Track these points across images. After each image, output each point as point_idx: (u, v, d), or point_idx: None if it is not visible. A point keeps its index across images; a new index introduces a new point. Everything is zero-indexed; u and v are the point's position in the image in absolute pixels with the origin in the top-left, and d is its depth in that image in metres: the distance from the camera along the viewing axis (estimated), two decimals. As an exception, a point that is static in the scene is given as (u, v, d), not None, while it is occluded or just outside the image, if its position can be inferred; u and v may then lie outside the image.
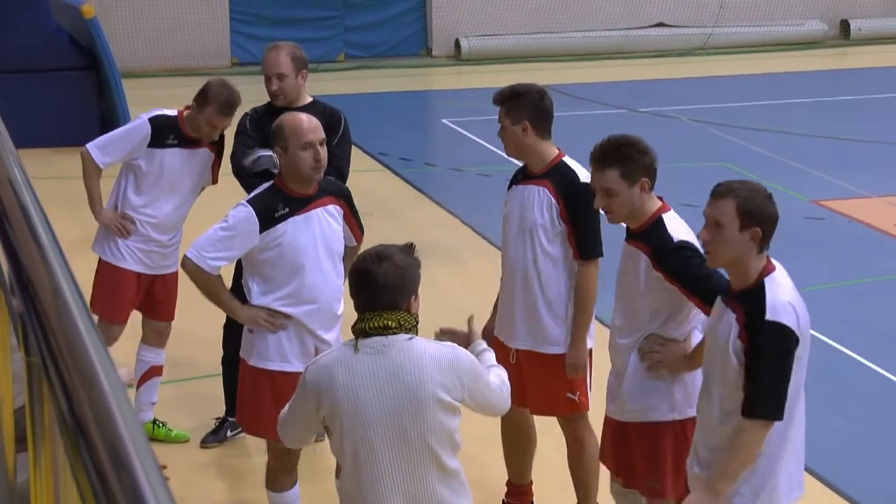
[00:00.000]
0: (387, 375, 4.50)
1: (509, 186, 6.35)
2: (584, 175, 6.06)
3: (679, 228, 5.47)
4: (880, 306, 9.88)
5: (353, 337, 4.60)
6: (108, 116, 15.15)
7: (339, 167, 6.99)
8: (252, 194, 6.17)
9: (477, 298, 10.09)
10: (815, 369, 8.49)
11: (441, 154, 15.82)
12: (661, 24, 22.20)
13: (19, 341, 2.01)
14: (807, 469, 7.31)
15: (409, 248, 4.71)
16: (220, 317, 7.61)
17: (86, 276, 7.82)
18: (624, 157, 5.46)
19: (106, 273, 7.29)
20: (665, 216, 5.48)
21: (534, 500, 6.65)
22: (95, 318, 6.96)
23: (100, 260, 7.34)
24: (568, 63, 20.92)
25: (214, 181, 7.49)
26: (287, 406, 4.80)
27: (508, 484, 6.60)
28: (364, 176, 11.57)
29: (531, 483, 6.62)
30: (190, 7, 20.57)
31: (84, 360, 1.61)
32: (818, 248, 11.15)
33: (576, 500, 6.43)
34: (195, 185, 7.33)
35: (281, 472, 6.25)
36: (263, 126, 7.00)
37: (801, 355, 4.96)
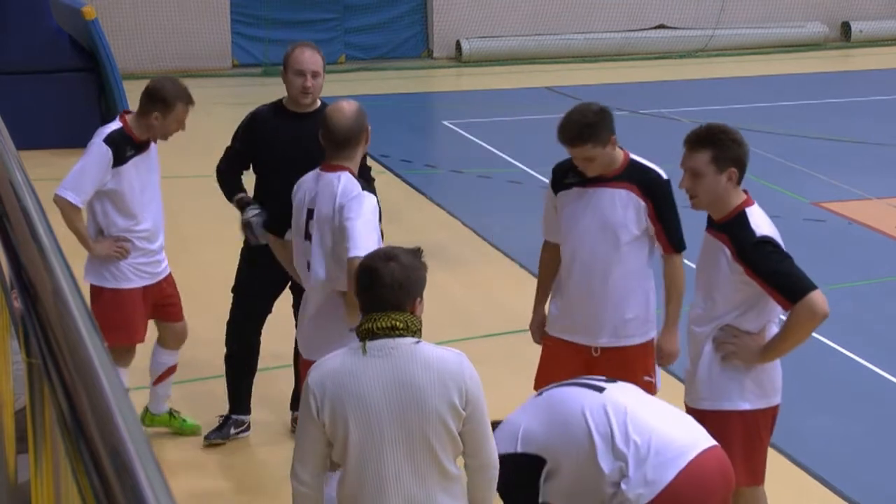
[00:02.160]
0: (395, 379, 4.50)
1: (560, 189, 6.30)
2: (663, 171, 6.23)
3: (762, 223, 5.54)
4: (880, 308, 9.88)
5: (360, 339, 4.59)
6: (109, 118, 15.14)
7: (367, 175, 7.05)
8: None
9: (477, 299, 10.13)
10: (815, 370, 8.54)
11: (442, 156, 15.81)
12: (661, 27, 22.20)
13: (20, 342, 2.01)
14: (805, 469, 7.35)
15: (417, 251, 4.71)
16: (219, 317, 7.62)
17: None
18: (717, 142, 5.54)
19: (111, 300, 7.16)
20: (748, 210, 5.54)
21: None
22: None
23: (99, 290, 7.18)
24: (569, 65, 20.94)
25: None
26: (297, 426, 4.78)
27: None
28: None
29: None
30: (191, 9, 20.59)
31: (85, 362, 1.62)
32: (818, 250, 11.14)
33: None
34: (158, 181, 7.31)
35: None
36: (270, 128, 7.02)
37: None
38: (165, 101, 7.05)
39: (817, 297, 5.32)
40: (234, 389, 7.61)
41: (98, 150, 7.08)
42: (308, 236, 6.12)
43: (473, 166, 14.02)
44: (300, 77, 7.12)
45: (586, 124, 6.05)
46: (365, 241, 5.79)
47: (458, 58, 21.52)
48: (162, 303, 7.39)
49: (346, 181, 5.99)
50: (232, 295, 7.56)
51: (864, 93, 18.72)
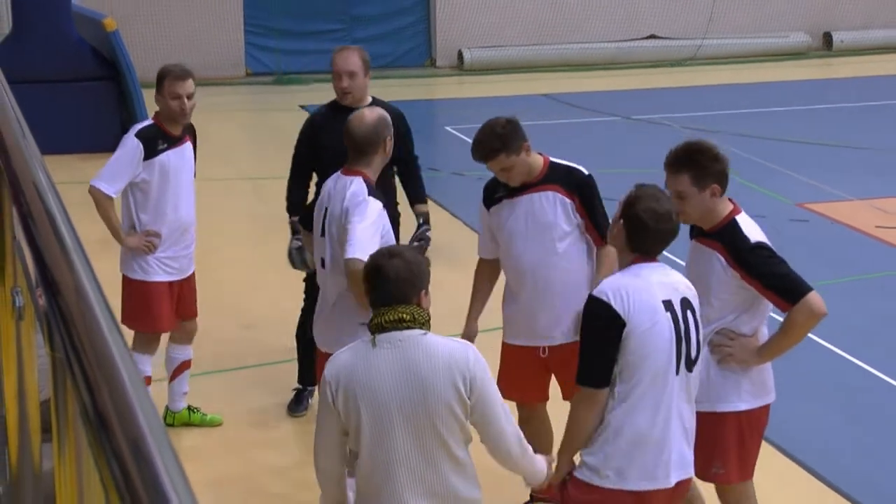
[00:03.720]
0: (403, 368, 4.50)
1: (491, 204, 6.30)
2: (583, 168, 6.22)
3: (753, 230, 5.47)
4: (862, 304, 9.88)
5: (370, 333, 4.60)
6: (129, 124, 15.15)
7: (412, 163, 7.48)
8: None
9: (479, 296, 10.11)
10: (799, 361, 8.52)
11: (444, 159, 15.79)
12: (653, 37, 22.20)
13: (44, 337, 2.01)
14: (787, 454, 7.35)
15: (420, 248, 4.74)
16: (229, 316, 7.63)
17: (107, 276, 7.80)
18: (695, 163, 5.43)
19: (138, 291, 7.23)
20: (738, 218, 5.47)
21: None
22: (127, 330, 6.97)
23: (129, 280, 7.27)
24: (565, 73, 20.93)
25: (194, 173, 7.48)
26: (317, 418, 4.80)
27: None
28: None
29: None
30: (206, 20, 20.59)
31: (106, 356, 1.61)
32: (802, 249, 11.13)
33: None
34: (191, 179, 7.32)
35: None
36: (329, 127, 7.09)
37: None
38: (159, 80, 7.15)
39: (815, 298, 5.26)
40: (305, 365, 7.66)
41: (130, 143, 7.13)
42: (323, 233, 6.14)
43: (474, 169, 13.93)
44: (337, 78, 7.27)
45: (496, 136, 6.07)
46: (363, 243, 5.75)
47: (460, 66, 21.52)
48: (184, 300, 7.40)
49: (356, 186, 5.98)
50: (304, 283, 7.70)
51: (845, 99, 18.71)
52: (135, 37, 18.58)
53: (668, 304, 4.82)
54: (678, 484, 4.94)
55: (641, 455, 4.86)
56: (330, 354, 6.06)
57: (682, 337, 4.84)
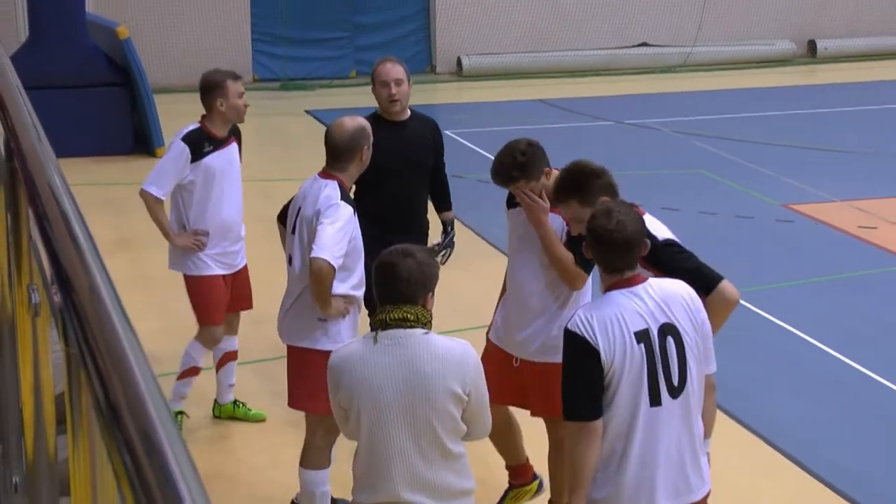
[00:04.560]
0: (403, 366, 4.49)
1: (511, 206, 6.13)
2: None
3: (659, 228, 5.37)
4: (846, 302, 9.88)
5: (373, 329, 4.61)
6: (141, 128, 15.17)
7: (441, 170, 7.38)
8: None
9: (478, 295, 10.09)
10: (784, 358, 8.53)
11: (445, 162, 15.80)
12: (644, 44, 22.19)
13: (59, 333, 2.01)
14: (776, 447, 7.35)
15: (431, 250, 4.72)
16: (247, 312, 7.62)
17: (120, 275, 7.81)
18: (578, 185, 5.33)
19: (196, 286, 7.28)
20: (644, 219, 5.28)
21: (535, 471, 6.54)
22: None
23: (186, 278, 7.28)
24: (560, 79, 20.93)
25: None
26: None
27: (508, 468, 6.50)
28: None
29: (528, 460, 6.52)
30: (215, 29, 20.58)
31: (118, 351, 1.61)
32: (788, 248, 11.13)
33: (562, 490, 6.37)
34: (238, 177, 7.32)
35: (316, 450, 6.12)
36: (380, 137, 6.72)
37: None
38: (218, 85, 7.11)
39: (726, 286, 5.08)
40: None
41: (176, 147, 7.13)
42: (294, 231, 6.15)
43: (473, 172, 13.99)
44: (385, 88, 7.01)
45: (516, 166, 5.83)
46: (331, 245, 5.80)
47: (459, 73, 21.51)
48: (236, 294, 7.38)
49: (330, 190, 5.99)
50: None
51: (829, 105, 18.70)
52: (146, 44, 18.57)
53: (641, 335, 4.53)
54: None
55: (624, 486, 4.60)
56: (294, 347, 6.16)
57: (656, 369, 4.53)
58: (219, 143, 7.19)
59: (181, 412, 7.49)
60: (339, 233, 5.84)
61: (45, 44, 14.65)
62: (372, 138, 6.16)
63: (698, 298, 4.72)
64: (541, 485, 6.55)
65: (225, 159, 7.21)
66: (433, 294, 4.64)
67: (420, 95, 21.15)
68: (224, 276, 7.29)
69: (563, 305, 5.97)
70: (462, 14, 21.61)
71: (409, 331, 4.52)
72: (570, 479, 4.65)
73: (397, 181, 6.98)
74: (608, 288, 4.63)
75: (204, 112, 7.23)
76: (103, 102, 14.95)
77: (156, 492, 1.30)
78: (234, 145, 7.32)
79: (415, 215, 7.20)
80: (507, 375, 6.04)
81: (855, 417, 7.84)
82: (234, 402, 7.61)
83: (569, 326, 4.60)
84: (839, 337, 9.00)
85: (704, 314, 4.70)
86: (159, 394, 1.49)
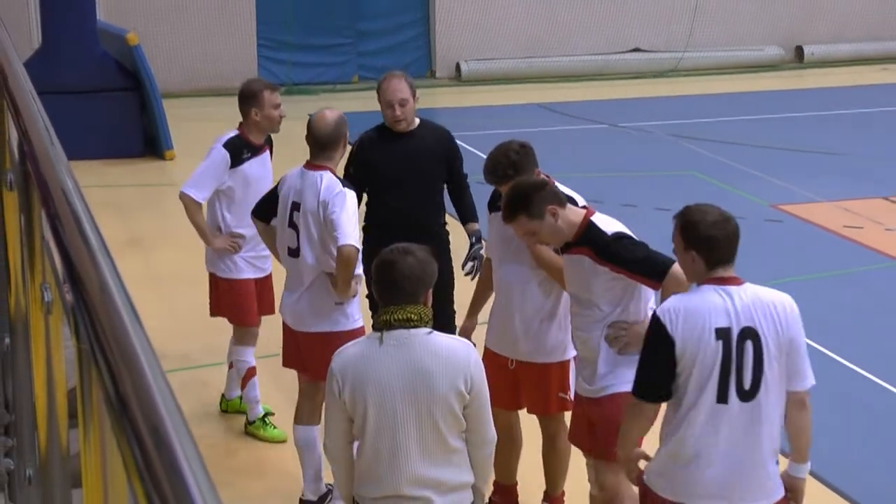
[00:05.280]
0: (409, 366, 4.50)
1: (493, 210, 6.09)
2: (580, 199, 5.93)
3: (609, 224, 5.35)
4: (829, 297, 9.88)
5: (377, 330, 4.60)
6: (150, 131, 15.16)
7: (462, 181, 7.14)
8: None
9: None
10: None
11: (444, 164, 15.81)
12: (637, 50, 22.18)
13: (71, 330, 2.01)
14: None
15: (429, 249, 4.73)
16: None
17: (129, 274, 7.77)
18: (521, 201, 5.31)
19: (227, 288, 7.24)
20: (593, 219, 5.35)
21: (518, 501, 6.42)
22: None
23: (216, 279, 7.26)
24: (556, 84, 20.92)
25: None
26: (325, 407, 4.82)
27: (495, 483, 6.31)
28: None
29: (516, 484, 6.41)
30: (221, 35, 20.57)
31: (127, 347, 1.61)
32: (777, 247, 11.14)
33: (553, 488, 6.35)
34: (270, 183, 7.24)
35: (307, 408, 6.37)
36: (376, 149, 6.80)
37: None
38: (254, 95, 7.10)
39: (677, 269, 5.00)
40: None
41: (217, 153, 7.10)
42: (292, 225, 6.20)
43: (472, 174, 13.97)
44: (390, 109, 6.80)
45: (510, 165, 5.82)
46: (352, 231, 5.97)
47: (458, 77, 21.50)
48: (262, 299, 7.33)
49: (328, 180, 6.11)
50: None
51: (816, 108, 18.70)
52: (155, 51, 18.55)
53: (722, 332, 4.50)
54: None
55: (677, 472, 4.62)
56: (302, 333, 6.22)
57: (730, 368, 4.49)
58: (256, 151, 7.15)
59: (267, 413, 7.41)
60: (353, 217, 6.01)
61: (57, 51, 14.65)
62: (347, 127, 6.28)
63: (796, 314, 4.62)
64: None
65: (261, 166, 7.18)
66: (431, 291, 4.64)
67: (420, 100, 21.01)
68: (255, 279, 7.25)
69: (555, 307, 5.95)
70: (461, 21, 21.60)
71: (412, 331, 4.52)
72: (619, 446, 4.80)
73: (400, 191, 6.85)
74: (705, 281, 4.58)
75: (243, 123, 7.18)
76: (113, 107, 14.94)
77: (164, 482, 1.31)
78: (268, 153, 7.30)
79: (422, 226, 6.83)
80: (502, 378, 6.02)
81: (840, 410, 7.84)
82: (240, 396, 7.52)
83: (657, 312, 4.62)
84: (827, 332, 9.00)
85: (798, 331, 4.61)
86: (167, 389, 1.49)
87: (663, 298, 4.96)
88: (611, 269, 5.22)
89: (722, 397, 4.52)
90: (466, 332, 6.26)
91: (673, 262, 5.08)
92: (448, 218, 7.28)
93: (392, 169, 6.80)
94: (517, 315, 5.97)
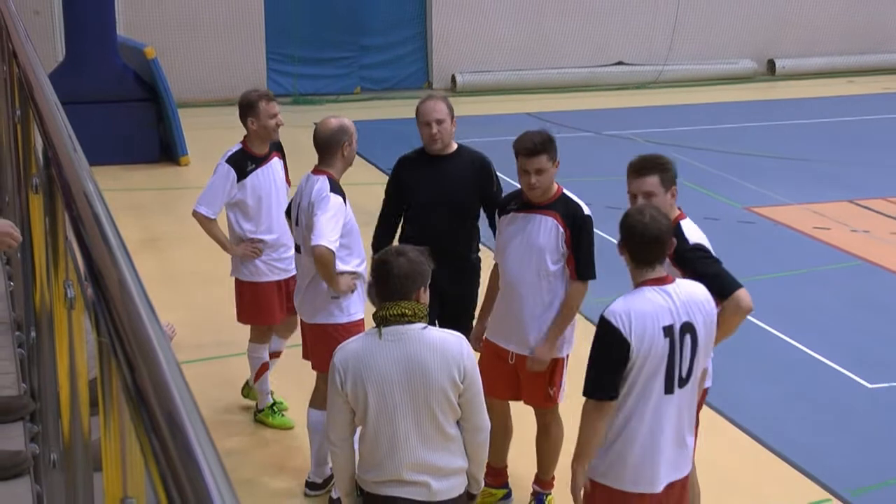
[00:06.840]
0: (406, 359, 4.52)
1: (503, 213, 6.06)
2: (586, 207, 5.94)
3: (694, 233, 5.35)
4: (799, 293, 9.89)
5: (375, 325, 4.61)
6: (166, 139, 15.15)
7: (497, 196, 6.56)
8: None
9: (482, 295, 10.09)
10: (749, 345, 8.53)
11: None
12: (620, 63, 22.19)
13: (92, 324, 2.01)
14: (736, 424, 7.35)
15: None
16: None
17: (147, 272, 7.79)
18: (660, 166, 5.38)
19: (250, 291, 7.15)
20: (682, 223, 5.36)
21: (508, 481, 6.44)
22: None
23: (241, 283, 7.18)
24: (545, 94, 20.92)
25: (289, 183, 7.30)
26: (328, 400, 4.80)
27: (487, 466, 6.13)
28: (376, 188, 11.60)
29: (507, 467, 6.43)
30: (233, 49, 20.56)
31: (144, 340, 1.61)
32: (750, 247, 11.14)
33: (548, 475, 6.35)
34: (284, 189, 7.18)
35: (324, 393, 6.16)
36: (414, 171, 6.56)
37: None
38: (251, 105, 7.02)
39: (743, 294, 5.08)
40: None
41: (221, 169, 7.01)
42: (298, 224, 6.27)
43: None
44: (427, 127, 6.42)
45: (543, 140, 5.86)
46: (326, 233, 5.92)
47: (454, 89, 21.50)
48: (290, 296, 7.18)
49: (321, 184, 6.10)
50: None
51: (786, 118, 18.71)
52: (172, 63, 18.53)
53: (667, 330, 4.58)
54: (669, 486, 4.72)
55: (631, 461, 4.67)
56: (310, 324, 6.23)
57: (675, 360, 4.59)
58: (260, 161, 7.04)
59: (274, 402, 7.37)
60: (331, 220, 5.96)
61: (80, 63, 14.64)
62: (355, 135, 6.22)
63: (713, 303, 4.77)
64: (508, 495, 6.44)
65: (268, 175, 7.06)
66: (426, 289, 4.64)
67: (418, 109, 21.14)
68: (278, 281, 7.15)
69: (555, 305, 5.95)
70: (456, 36, 21.61)
71: (408, 326, 4.54)
72: (578, 448, 4.72)
73: (430, 213, 6.47)
74: (641, 284, 4.63)
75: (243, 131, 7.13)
76: (132, 116, 14.93)
77: (179, 467, 1.31)
78: (277, 159, 7.18)
79: (451, 249, 6.42)
80: (501, 370, 6.02)
81: (809, 397, 7.85)
82: (273, 405, 7.40)
83: (606, 315, 4.60)
84: (796, 326, 9.02)
85: (715, 318, 4.76)
86: (182, 379, 1.49)
87: (720, 318, 4.92)
88: (682, 275, 5.07)
89: (669, 389, 4.63)
90: (477, 336, 6.23)
91: (740, 286, 5.12)
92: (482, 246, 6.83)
93: (424, 191, 6.52)
94: (520, 313, 5.95)
